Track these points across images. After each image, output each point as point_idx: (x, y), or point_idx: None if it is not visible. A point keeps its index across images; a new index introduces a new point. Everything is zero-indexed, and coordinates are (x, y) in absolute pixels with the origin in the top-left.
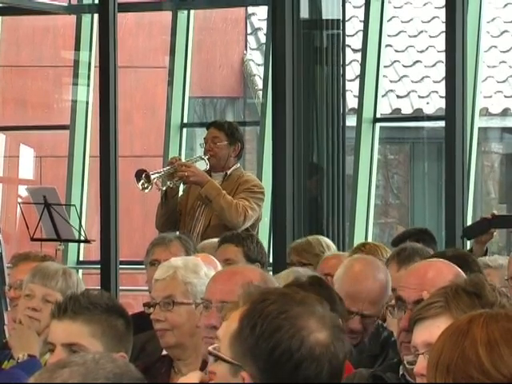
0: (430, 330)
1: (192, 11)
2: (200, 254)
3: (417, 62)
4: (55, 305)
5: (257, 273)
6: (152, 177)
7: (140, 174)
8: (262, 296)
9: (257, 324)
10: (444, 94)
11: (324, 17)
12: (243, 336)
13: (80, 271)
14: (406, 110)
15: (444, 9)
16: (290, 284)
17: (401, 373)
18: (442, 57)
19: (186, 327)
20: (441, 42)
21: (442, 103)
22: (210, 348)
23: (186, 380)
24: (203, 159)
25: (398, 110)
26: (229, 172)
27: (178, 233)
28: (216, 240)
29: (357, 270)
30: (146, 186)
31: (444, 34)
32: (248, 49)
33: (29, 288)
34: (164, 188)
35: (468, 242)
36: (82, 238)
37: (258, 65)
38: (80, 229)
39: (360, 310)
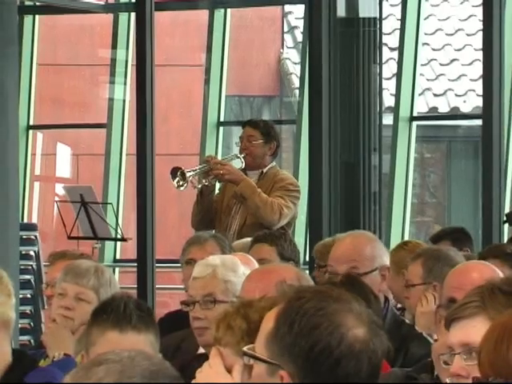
0: (466, 330)
1: (228, 9)
2: (238, 254)
3: (454, 60)
4: (104, 315)
5: (292, 271)
6: (187, 174)
7: (175, 172)
8: (298, 294)
9: (294, 322)
10: (481, 93)
11: (361, 15)
12: (280, 334)
13: (116, 269)
14: (443, 108)
15: (481, 7)
16: (323, 283)
17: (436, 374)
18: (479, 55)
19: None
20: (478, 41)
21: (479, 102)
22: (245, 349)
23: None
24: (239, 158)
25: (434, 109)
26: (264, 170)
27: (213, 231)
28: (248, 239)
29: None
30: (181, 183)
31: (481, 33)
32: (284, 47)
33: (61, 287)
34: (199, 186)
35: (506, 230)
36: (119, 237)
37: (295, 63)
38: (116, 227)
39: None
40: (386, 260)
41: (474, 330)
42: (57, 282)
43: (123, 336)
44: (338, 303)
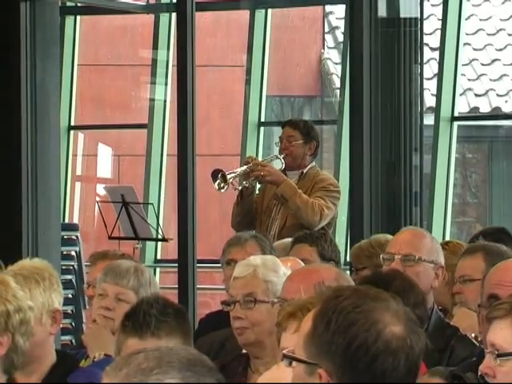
0: (494, 331)
1: (270, 10)
2: (289, 259)
3: (495, 60)
4: (126, 321)
5: (332, 271)
6: (228, 177)
7: (216, 174)
8: (335, 293)
9: (331, 320)
10: None
11: (402, 15)
12: (318, 333)
13: (157, 270)
14: (484, 108)
15: None
16: (367, 278)
17: (480, 373)
18: None
19: (265, 325)
20: None
21: None
22: (285, 351)
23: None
24: (279, 158)
25: (476, 109)
26: (305, 171)
27: (254, 232)
28: (289, 240)
29: None
30: (222, 185)
31: None
32: (325, 47)
33: (101, 287)
34: (240, 187)
35: None
36: (160, 237)
37: (336, 63)
38: (157, 227)
39: None
40: (442, 260)
41: (500, 332)
42: (97, 283)
43: (143, 342)
44: (376, 301)
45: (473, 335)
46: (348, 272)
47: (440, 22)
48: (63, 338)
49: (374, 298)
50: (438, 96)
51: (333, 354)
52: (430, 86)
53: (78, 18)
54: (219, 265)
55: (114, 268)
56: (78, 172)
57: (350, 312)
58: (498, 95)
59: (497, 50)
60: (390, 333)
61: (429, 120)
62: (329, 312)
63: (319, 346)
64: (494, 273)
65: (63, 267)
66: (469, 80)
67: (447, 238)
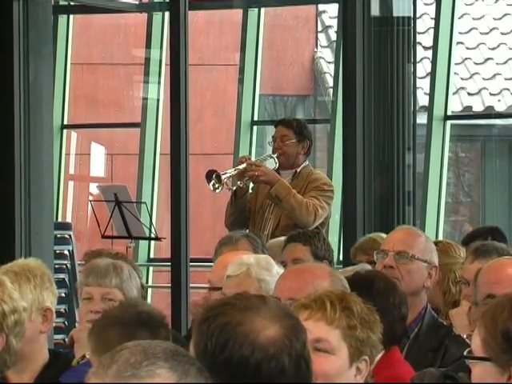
0: None
1: (263, 9)
2: (238, 252)
3: (488, 59)
4: None
5: (325, 270)
6: (222, 177)
7: (210, 175)
8: (204, 316)
9: (207, 344)
10: None
11: (395, 14)
12: (199, 358)
13: (150, 269)
14: (478, 107)
15: None
16: (350, 278)
17: None
18: None
19: None
20: None
21: None
22: None
23: None
24: (272, 158)
25: (469, 108)
26: (298, 170)
27: (246, 231)
28: (282, 239)
29: None
30: (216, 186)
31: None
32: (318, 46)
33: (86, 291)
34: (234, 188)
35: None
36: (153, 236)
37: (329, 62)
38: (150, 226)
39: None
40: (436, 260)
41: None
42: (78, 286)
43: None
44: (244, 311)
45: (465, 335)
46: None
47: (433, 20)
48: (56, 336)
49: (242, 309)
50: (431, 95)
51: (215, 375)
52: (423, 85)
53: (71, 17)
54: (212, 264)
55: (94, 269)
56: (71, 171)
57: (220, 333)
58: (490, 94)
59: (490, 48)
60: (264, 339)
61: (422, 119)
62: (202, 338)
63: (208, 367)
64: (490, 272)
65: (56, 266)
66: (462, 79)
67: (440, 237)
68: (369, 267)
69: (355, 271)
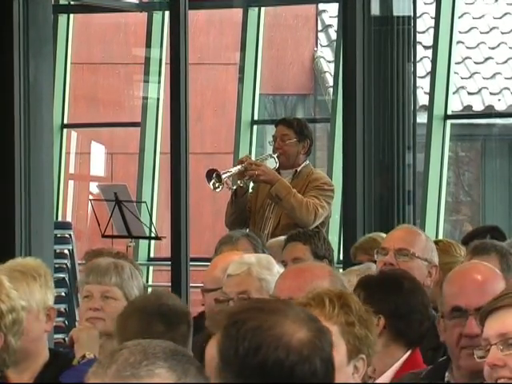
0: (504, 320)
1: (263, 8)
2: (235, 253)
3: (488, 58)
4: None
5: (325, 270)
6: (223, 176)
7: (211, 174)
8: (232, 319)
9: (238, 348)
10: None
11: (395, 13)
12: (227, 363)
13: (151, 268)
14: (478, 106)
15: None
16: (360, 281)
17: (446, 380)
18: None
19: None
20: None
21: None
22: None
23: None
24: (273, 157)
25: (469, 107)
26: (298, 169)
27: (246, 230)
28: (282, 238)
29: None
30: (217, 185)
31: None
32: (319, 46)
33: (86, 289)
34: (234, 187)
35: None
36: (153, 235)
37: (329, 62)
38: (151, 226)
39: None
40: (436, 260)
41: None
42: (79, 284)
43: None
44: (272, 315)
45: None
46: (341, 270)
47: (433, 20)
48: (56, 336)
49: (270, 312)
50: (431, 94)
51: (246, 378)
52: (423, 85)
53: (71, 16)
54: None
55: (95, 268)
56: (71, 170)
57: (252, 336)
58: (491, 93)
59: (490, 48)
60: (297, 342)
61: (422, 118)
62: (233, 341)
63: (234, 373)
64: (453, 282)
65: (56, 265)
66: (462, 78)
67: (440, 237)
68: (374, 267)
69: (379, 270)
